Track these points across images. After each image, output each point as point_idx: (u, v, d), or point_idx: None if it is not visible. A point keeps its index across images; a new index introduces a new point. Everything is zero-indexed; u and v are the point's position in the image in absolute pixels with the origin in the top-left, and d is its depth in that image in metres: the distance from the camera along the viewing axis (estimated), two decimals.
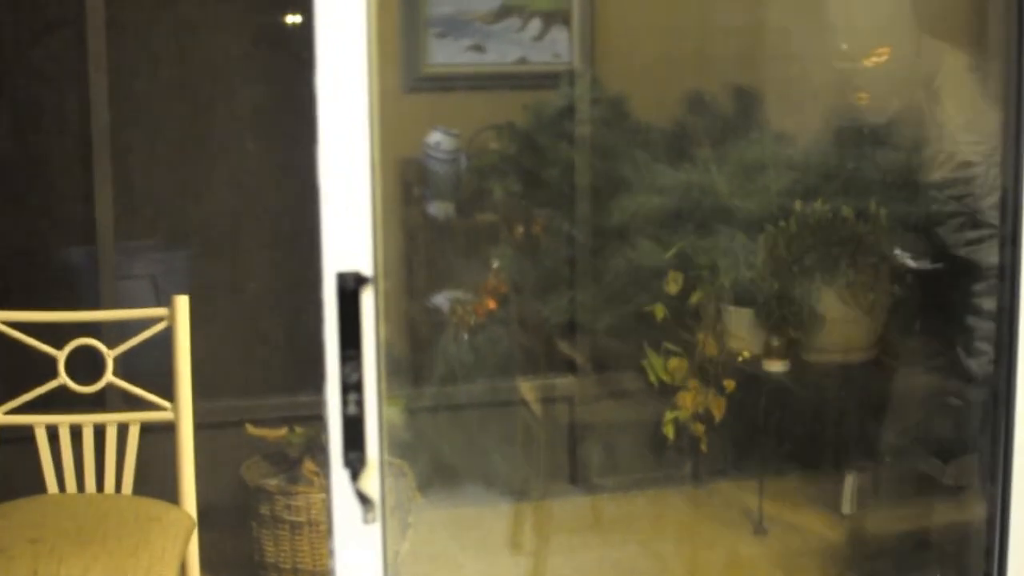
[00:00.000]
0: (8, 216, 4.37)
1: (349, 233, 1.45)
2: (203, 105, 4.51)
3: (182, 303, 3.19)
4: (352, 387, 1.46)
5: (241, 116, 4.54)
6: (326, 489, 1.49)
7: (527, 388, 4.61)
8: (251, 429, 4.13)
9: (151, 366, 3.48)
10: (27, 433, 3.26)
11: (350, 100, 1.45)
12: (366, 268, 1.45)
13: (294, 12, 4.39)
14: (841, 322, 4.46)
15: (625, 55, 5.01)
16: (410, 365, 4.50)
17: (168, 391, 3.22)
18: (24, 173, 4.38)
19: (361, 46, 1.44)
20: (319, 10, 1.43)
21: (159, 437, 3.31)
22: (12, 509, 3.18)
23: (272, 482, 4.06)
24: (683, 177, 4.68)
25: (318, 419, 3.99)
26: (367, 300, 1.45)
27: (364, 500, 1.48)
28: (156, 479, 3.36)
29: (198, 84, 4.53)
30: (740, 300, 4.57)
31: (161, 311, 3.23)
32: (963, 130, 4.11)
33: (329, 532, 1.48)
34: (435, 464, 4.21)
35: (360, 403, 1.46)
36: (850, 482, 4.46)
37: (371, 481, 1.48)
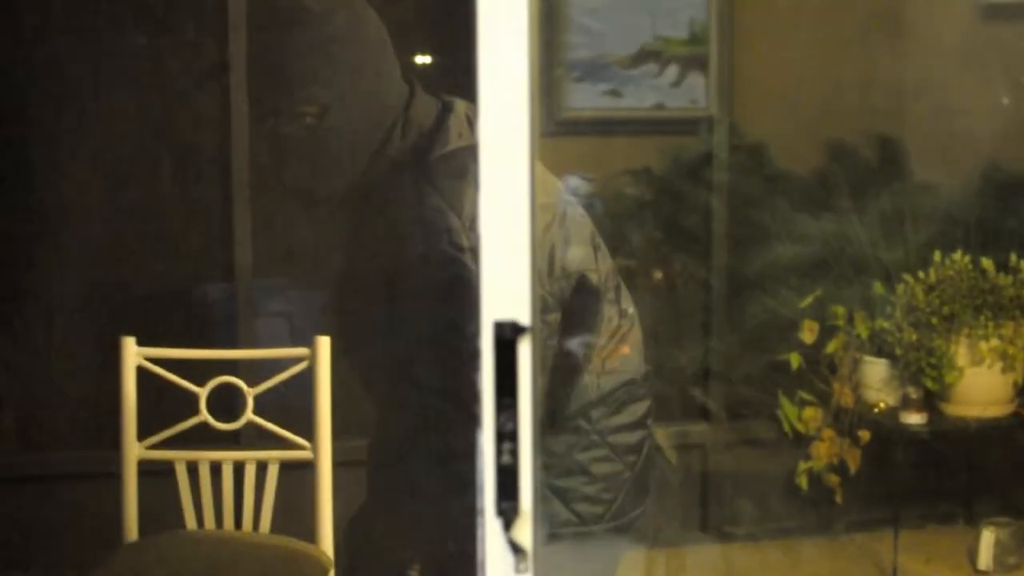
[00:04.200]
0: (150, 254, 4.44)
1: (507, 282, 1.45)
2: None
3: (323, 343, 3.20)
4: (507, 436, 1.45)
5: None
6: (477, 539, 1.49)
7: (661, 435, 4.59)
8: None
9: (280, 403, 3.51)
10: (167, 468, 3.29)
11: (512, 148, 1.45)
12: (524, 317, 1.45)
13: (449, 58, 4.41)
14: (981, 375, 4.40)
15: (763, 102, 4.98)
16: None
17: (299, 428, 3.24)
18: (167, 213, 4.44)
19: (523, 93, 1.44)
20: (482, 59, 1.44)
21: (296, 475, 3.33)
22: (151, 544, 3.21)
23: None
24: (823, 226, 4.64)
25: None
26: (524, 350, 1.45)
27: (516, 550, 1.47)
28: (294, 518, 3.38)
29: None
30: (877, 351, 4.52)
31: (302, 351, 3.25)
32: None
33: None
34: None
35: (514, 452, 1.46)
36: (987, 537, 4.38)
37: (524, 530, 1.47)
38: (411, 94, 2.59)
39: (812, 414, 4.54)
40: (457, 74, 4.43)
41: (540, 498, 2.71)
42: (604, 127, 5.02)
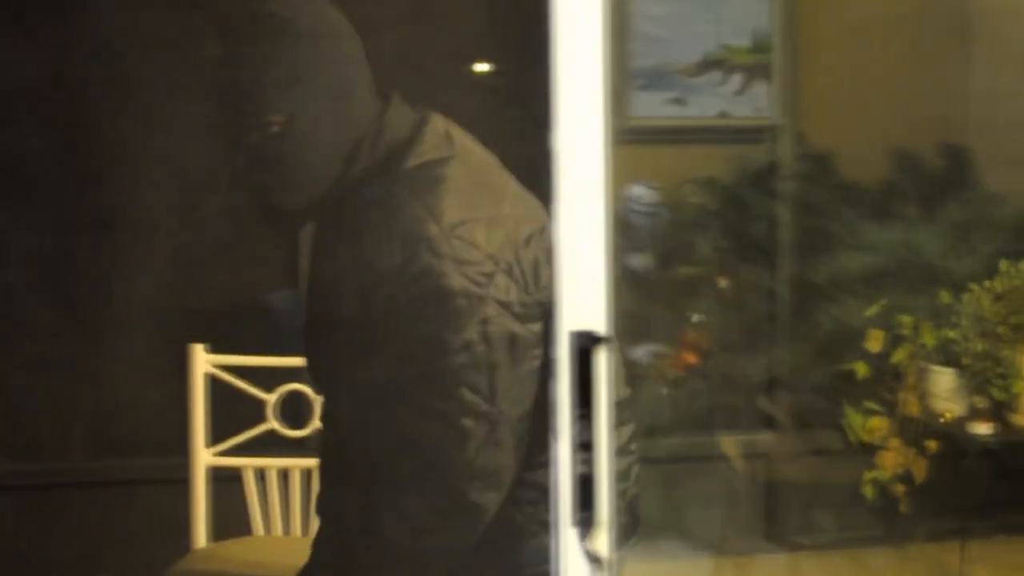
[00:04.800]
0: (220, 262, 4.47)
1: (585, 292, 1.46)
2: None
3: None
4: (584, 446, 1.46)
5: None
6: (552, 548, 1.50)
7: (728, 443, 4.58)
8: None
9: None
10: (236, 474, 3.32)
11: (589, 159, 1.46)
12: (601, 328, 1.45)
13: (528, 68, 4.42)
14: None
15: (828, 110, 4.97)
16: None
17: None
18: (236, 221, 4.47)
19: (599, 105, 1.46)
20: (558, 70, 1.45)
21: None
22: (219, 549, 3.24)
23: None
24: (890, 235, 4.63)
25: None
26: (601, 360, 1.46)
27: (594, 560, 1.48)
28: None
29: None
30: (944, 360, 4.50)
31: None
32: None
33: None
34: (632, 516, 4.20)
35: (591, 462, 1.47)
36: None
37: (600, 540, 1.48)
38: (386, 105, 2.54)
39: (878, 424, 4.52)
40: (528, 84, 4.47)
41: (530, 534, 2.71)
42: (668, 135, 5.02)
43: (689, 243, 4.74)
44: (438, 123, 2.55)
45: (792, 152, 4.88)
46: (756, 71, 5.06)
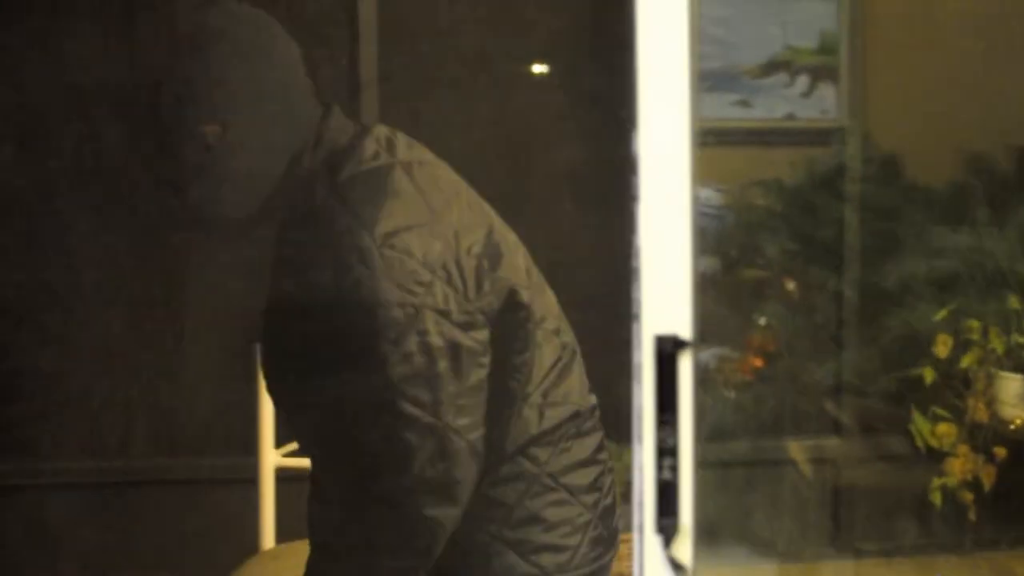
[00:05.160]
0: None
1: (668, 295, 1.44)
2: (520, 163, 4.55)
3: None
4: (667, 452, 1.44)
5: (556, 175, 4.56)
6: (634, 555, 1.48)
7: (795, 448, 4.55)
8: None
9: None
10: (303, 475, 3.32)
11: (673, 161, 1.44)
12: (684, 331, 1.43)
13: (610, 72, 4.39)
14: None
15: (896, 112, 4.93)
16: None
17: None
18: None
19: (684, 107, 1.44)
20: (642, 67, 1.43)
21: None
22: (287, 551, 3.24)
23: None
24: (959, 239, 4.58)
25: None
26: (684, 364, 1.44)
27: (676, 567, 1.46)
28: None
29: (515, 142, 4.56)
30: (1013, 366, 4.45)
31: None
32: None
33: None
34: (697, 522, 4.18)
35: (675, 468, 1.45)
36: None
37: (683, 548, 1.46)
38: (325, 115, 2.50)
39: (946, 430, 4.48)
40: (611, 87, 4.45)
41: (496, 553, 2.66)
42: (734, 137, 5.00)
43: (755, 246, 4.71)
44: (380, 132, 2.52)
45: (859, 154, 4.84)
46: (822, 72, 5.02)
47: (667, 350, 1.41)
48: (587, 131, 4.57)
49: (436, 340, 2.34)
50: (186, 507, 4.39)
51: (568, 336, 2.66)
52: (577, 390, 2.63)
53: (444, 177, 2.56)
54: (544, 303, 2.60)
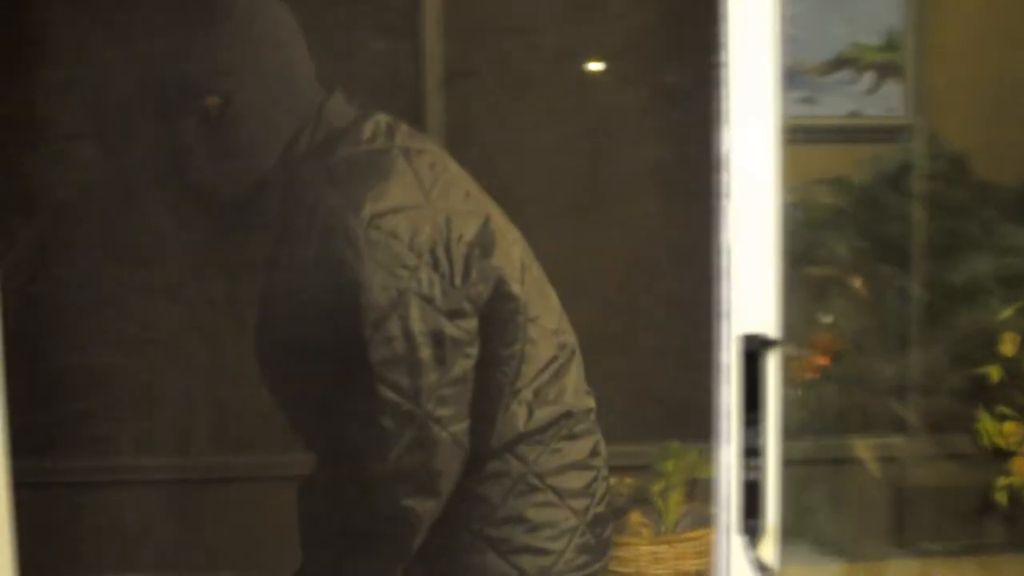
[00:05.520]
0: None
1: (755, 294, 1.43)
2: (603, 161, 4.54)
3: None
4: (753, 452, 1.44)
5: (639, 173, 4.54)
6: (718, 556, 1.48)
7: (861, 447, 4.52)
8: None
9: None
10: None
11: (761, 159, 1.44)
12: (771, 330, 1.43)
13: (692, 68, 4.37)
14: None
15: (963, 109, 4.89)
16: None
17: None
18: None
19: (773, 103, 1.43)
20: (732, 65, 1.42)
21: None
22: None
23: None
24: None
25: (642, 469, 3.96)
26: (771, 363, 1.44)
27: (762, 568, 1.45)
28: None
29: (598, 139, 4.55)
30: None
31: None
32: None
33: None
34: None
35: (760, 468, 1.45)
36: None
37: (769, 548, 1.46)
38: (327, 96, 2.50)
39: (1012, 429, 4.44)
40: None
41: (476, 550, 2.64)
42: (799, 135, 4.96)
43: (821, 244, 4.68)
44: (381, 119, 2.51)
45: (926, 151, 4.81)
46: (888, 69, 4.99)
47: (754, 349, 1.41)
48: (670, 129, 4.55)
49: (419, 326, 2.33)
50: (248, 504, 4.40)
51: (568, 337, 2.65)
52: (572, 391, 2.61)
53: (443, 165, 2.54)
54: (543, 301, 2.60)
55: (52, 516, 4.27)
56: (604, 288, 4.52)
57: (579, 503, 2.58)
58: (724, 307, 1.37)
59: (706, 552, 3.97)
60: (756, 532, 1.40)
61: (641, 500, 4.10)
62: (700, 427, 4.52)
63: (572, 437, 2.59)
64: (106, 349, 4.42)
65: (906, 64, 4.97)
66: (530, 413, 2.52)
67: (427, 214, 2.38)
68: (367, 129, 2.47)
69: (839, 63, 5.00)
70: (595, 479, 2.62)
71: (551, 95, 4.54)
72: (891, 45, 4.99)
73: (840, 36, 5.01)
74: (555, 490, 2.56)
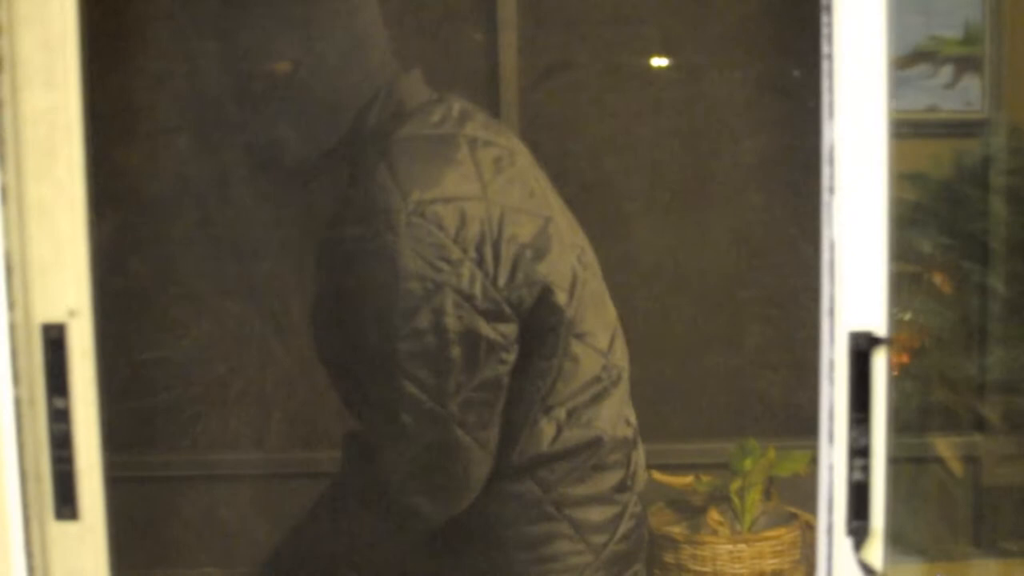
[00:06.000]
0: None
1: (863, 291, 1.40)
2: (707, 154, 4.51)
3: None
4: (859, 452, 1.41)
5: (741, 166, 4.50)
6: (820, 558, 1.44)
7: (942, 445, 4.47)
8: (657, 475, 4.10)
9: None
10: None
11: (870, 152, 1.40)
12: (879, 328, 1.40)
13: (798, 58, 4.33)
14: None
15: None
16: (816, 411, 4.42)
17: None
18: None
19: (882, 95, 1.40)
20: (838, 58, 1.39)
21: None
22: None
23: (676, 530, 4.03)
24: None
25: (720, 467, 3.93)
26: (879, 361, 1.40)
27: (868, 571, 1.42)
28: None
29: (702, 131, 4.52)
30: None
31: None
32: None
33: None
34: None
35: (867, 469, 1.41)
36: None
37: (875, 551, 1.43)
38: (400, 75, 2.42)
39: None
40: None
41: (475, 569, 2.49)
42: None
43: (901, 239, 4.64)
44: (455, 105, 2.43)
45: (1006, 146, 4.75)
46: (967, 63, 4.93)
47: (862, 347, 1.38)
48: (775, 121, 4.51)
49: (453, 323, 2.23)
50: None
51: (619, 359, 2.51)
52: (609, 418, 2.46)
53: (510, 160, 2.43)
54: (596, 318, 2.47)
55: (141, 510, 4.30)
56: (706, 284, 4.48)
57: (598, 538, 2.46)
58: (828, 304, 1.34)
59: (784, 551, 3.94)
60: (863, 534, 1.37)
61: (718, 498, 4.06)
62: (785, 425, 4.47)
63: (600, 468, 2.46)
64: (194, 344, 4.44)
65: (985, 57, 4.91)
66: (558, 433, 2.39)
67: (480, 208, 2.28)
68: (437, 112, 2.40)
69: (917, 56, 4.94)
70: (620, 515, 2.49)
71: (656, 86, 4.51)
72: (969, 38, 4.93)
73: (917, 29, 4.95)
74: (572, 521, 2.43)
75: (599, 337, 2.47)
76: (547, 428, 2.39)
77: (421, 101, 2.42)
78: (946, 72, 4.94)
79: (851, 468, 1.37)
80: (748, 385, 4.47)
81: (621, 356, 2.54)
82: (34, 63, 1.26)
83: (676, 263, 4.46)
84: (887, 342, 1.34)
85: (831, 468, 1.36)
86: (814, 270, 1.43)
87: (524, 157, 2.47)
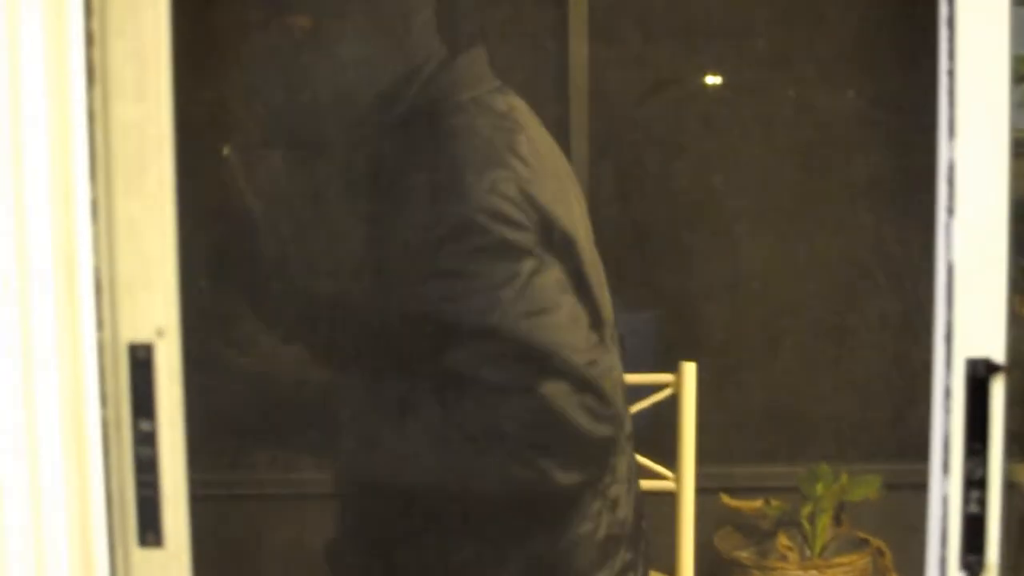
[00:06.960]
0: None
1: (982, 315, 1.34)
2: (819, 170, 4.45)
3: (689, 370, 3.12)
4: (975, 484, 1.35)
5: (856, 183, 4.43)
6: None
7: (1018, 471, 4.39)
8: (726, 499, 4.05)
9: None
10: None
11: (992, 171, 1.35)
12: (998, 354, 1.34)
13: (910, 75, 4.25)
14: None
15: None
16: (888, 435, 4.34)
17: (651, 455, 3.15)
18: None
19: (1005, 112, 1.35)
20: (961, 73, 1.34)
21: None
22: None
23: (745, 554, 3.97)
24: None
25: (789, 491, 3.85)
26: (997, 389, 1.35)
27: None
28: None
29: (814, 147, 4.45)
30: None
31: (667, 377, 3.18)
32: None
33: None
34: (910, 543, 4.05)
35: (983, 501, 1.36)
36: None
37: None
38: (446, 55, 2.26)
39: None
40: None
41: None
42: None
43: None
44: (511, 97, 2.29)
45: None
46: None
47: (980, 374, 1.33)
48: (889, 137, 4.44)
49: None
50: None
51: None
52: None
53: (555, 160, 2.33)
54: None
55: (224, 528, 4.29)
56: (814, 307, 4.43)
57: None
58: (945, 329, 1.28)
59: None
60: (978, 568, 1.31)
61: (787, 522, 4.00)
62: (851, 448, 4.38)
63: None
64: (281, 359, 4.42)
65: None
66: None
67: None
68: (500, 104, 2.25)
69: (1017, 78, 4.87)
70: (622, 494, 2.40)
71: (767, 100, 4.45)
72: None
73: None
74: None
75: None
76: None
77: (488, 87, 2.27)
78: (1021, 91, 4.86)
79: (966, 500, 1.31)
80: (822, 409, 4.40)
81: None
82: (125, 74, 1.24)
83: (783, 286, 4.40)
84: (1006, 369, 1.28)
85: (945, 500, 1.30)
86: (926, 293, 1.39)
87: (560, 160, 2.38)
